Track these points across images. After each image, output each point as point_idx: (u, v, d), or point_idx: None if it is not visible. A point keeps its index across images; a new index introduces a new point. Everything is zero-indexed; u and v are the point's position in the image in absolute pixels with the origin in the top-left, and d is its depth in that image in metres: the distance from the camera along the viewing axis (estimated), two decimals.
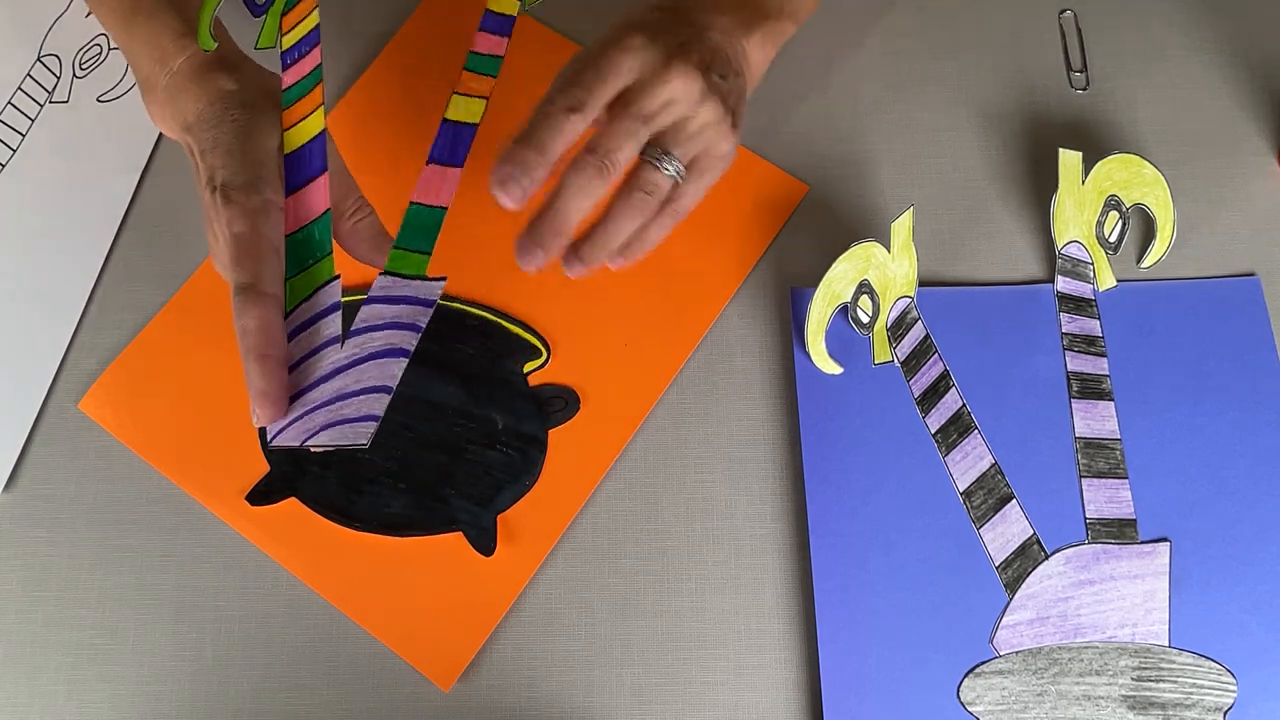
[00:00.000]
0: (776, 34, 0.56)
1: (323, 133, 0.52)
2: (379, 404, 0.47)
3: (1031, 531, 0.56)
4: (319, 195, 0.51)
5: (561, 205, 0.48)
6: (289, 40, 0.55)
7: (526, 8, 0.60)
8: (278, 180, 0.51)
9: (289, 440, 0.47)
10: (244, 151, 0.50)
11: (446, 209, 0.51)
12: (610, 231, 0.50)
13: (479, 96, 0.55)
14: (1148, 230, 0.61)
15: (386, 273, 0.50)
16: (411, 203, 0.51)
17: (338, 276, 0.50)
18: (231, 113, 0.52)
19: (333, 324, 0.49)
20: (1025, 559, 0.55)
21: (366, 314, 0.49)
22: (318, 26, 0.55)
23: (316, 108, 0.53)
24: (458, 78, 0.55)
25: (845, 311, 0.58)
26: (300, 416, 0.48)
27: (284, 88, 0.54)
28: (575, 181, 0.48)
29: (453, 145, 0.53)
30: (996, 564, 0.56)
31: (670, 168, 0.51)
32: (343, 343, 0.49)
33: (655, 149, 0.51)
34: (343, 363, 0.48)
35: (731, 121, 0.52)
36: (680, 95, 0.50)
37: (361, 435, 0.46)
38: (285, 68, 0.54)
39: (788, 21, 0.56)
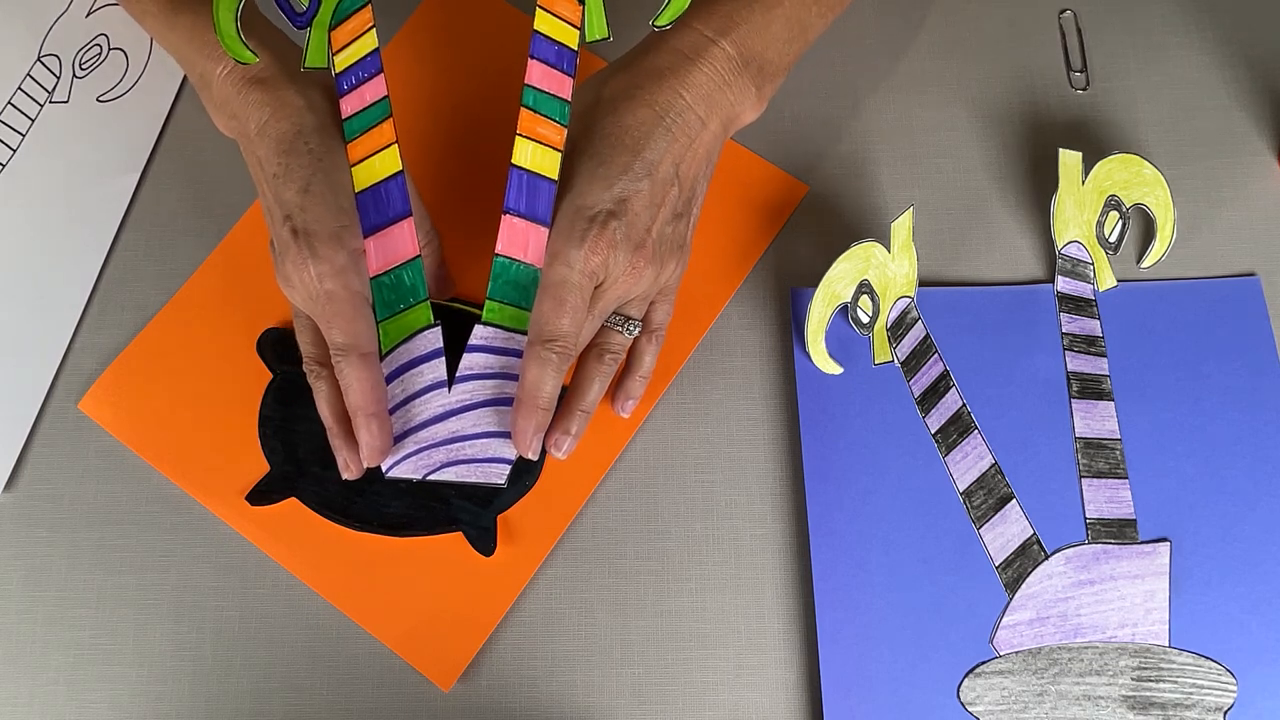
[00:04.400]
0: (772, 87, 0.55)
1: (401, 172, 0.51)
2: (506, 448, 0.51)
3: (1031, 531, 0.56)
4: (405, 239, 0.51)
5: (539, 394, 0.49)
6: (343, 61, 0.52)
7: (590, 40, 0.52)
8: (357, 223, 0.50)
9: (405, 473, 0.51)
10: (324, 193, 0.49)
11: (540, 268, 0.50)
12: (585, 397, 0.53)
13: (551, 148, 0.50)
14: (1148, 230, 0.61)
15: (485, 323, 0.50)
16: (496, 255, 0.50)
17: (438, 323, 0.51)
18: (306, 139, 0.50)
19: (437, 368, 0.51)
20: (1025, 559, 0.55)
21: (470, 362, 0.51)
22: (377, 50, 0.52)
23: (389, 144, 0.51)
24: (515, 114, 0.50)
25: (845, 311, 0.58)
26: (415, 452, 0.51)
27: (344, 117, 0.51)
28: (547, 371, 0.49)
29: (531, 198, 0.50)
30: (996, 564, 0.56)
31: (633, 329, 0.54)
32: (449, 387, 0.51)
33: (616, 315, 0.54)
34: (454, 406, 0.51)
35: (683, 243, 0.53)
36: (633, 292, 0.52)
37: (496, 475, 0.51)
38: (342, 94, 0.52)
39: (782, 76, 0.56)
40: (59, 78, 0.67)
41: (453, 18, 0.67)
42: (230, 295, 0.61)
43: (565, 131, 0.51)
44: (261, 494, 0.57)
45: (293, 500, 0.57)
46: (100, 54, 0.67)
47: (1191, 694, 0.53)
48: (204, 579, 0.57)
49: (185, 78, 0.66)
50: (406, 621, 0.55)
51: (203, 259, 0.62)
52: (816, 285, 0.56)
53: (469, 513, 0.56)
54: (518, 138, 0.50)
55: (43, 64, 0.67)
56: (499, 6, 0.67)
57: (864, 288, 0.58)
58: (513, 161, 0.50)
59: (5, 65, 0.67)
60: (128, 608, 0.57)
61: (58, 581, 0.57)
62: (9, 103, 0.66)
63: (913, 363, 0.59)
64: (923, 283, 0.60)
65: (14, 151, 0.65)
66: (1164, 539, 0.56)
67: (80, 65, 0.67)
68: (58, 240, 0.63)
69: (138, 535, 0.58)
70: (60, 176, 0.64)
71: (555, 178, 0.50)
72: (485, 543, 0.56)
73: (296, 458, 0.58)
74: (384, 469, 0.51)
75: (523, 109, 0.50)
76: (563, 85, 0.51)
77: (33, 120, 0.66)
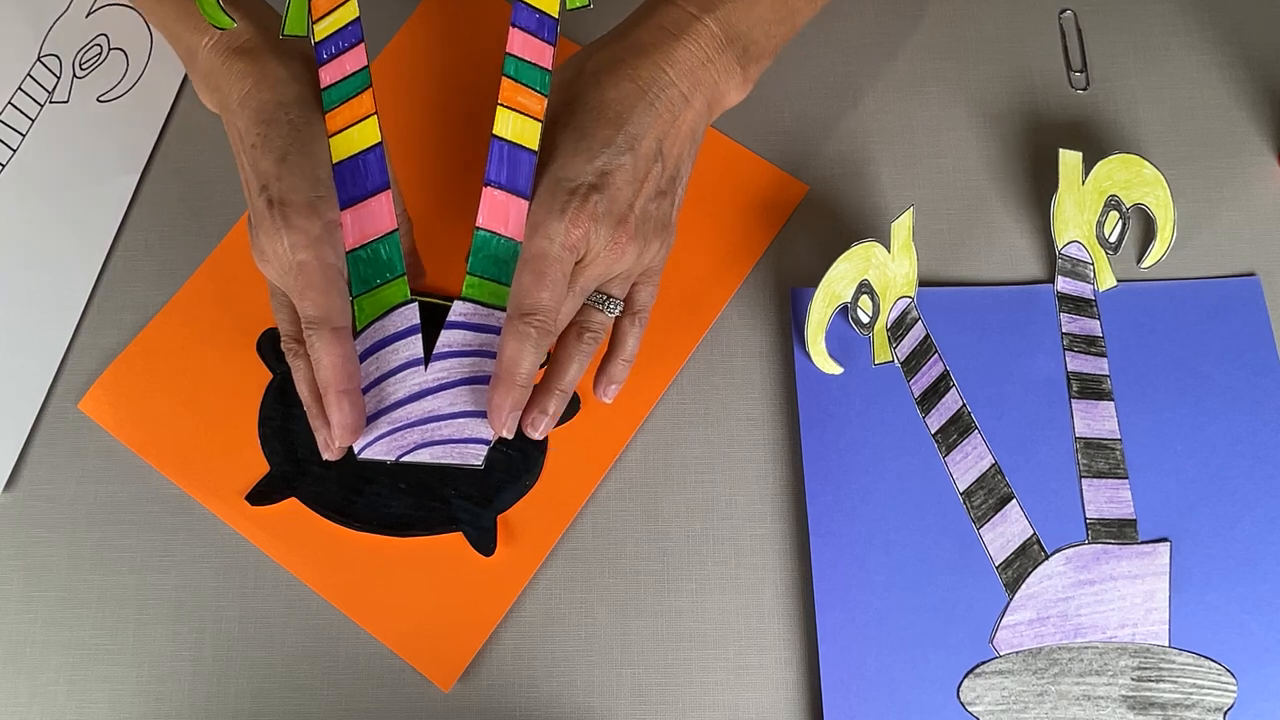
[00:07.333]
0: (758, 69, 0.55)
1: (380, 144, 0.50)
2: (484, 428, 0.49)
3: (1031, 531, 0.56)
4: (383, 213, 0.50)
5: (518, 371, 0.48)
6: (323, 30, 0.51)
7: (570, 8, 0.52)
8: (334, 195, 0.50)
9: (378, 454, 0.49)
10: (300, 164, 0.49)
11: (521, 242, 0.49)
12: (563, 376, 0.52)
13: (532, 117, 0.50)
14: (1148, 230, 0.61)
15: (464, 298, 0.49)
16: (477, 228, 0.49)
17: (414, 300, 0.50)
18: (286, 110, 0.50)
19: (413, 345, 0.50)
20: (1025, 559, 0.55)
21: (448, 339, 0.50)
22: (358, 19, 0.51)
23: (369, 115, 0.50)
24: (496, 84, 0.50)
25: (845, 311, 0.58)
26: (389, 433, 0.49)
27: (323, 86, 0.51)
28: (526, 348, 0.48)
29: (512, 169, 0.49)
30: (996, 564, 0.56)
31: (614, 309, 0.53)
32: (426, 364, 0.49)
33: (597, 294, 0.52)
34: (430, 385, 0.49)
35: (667, 223, 0.53)
36: (615, 270, 0.51)
37: (473, 456, 0.49)
38: (322, 63, 0.51)
39: (768, 59, 0.55)
40: (59, 78, 0.67)
41: (453, 17, 0.67)
42: (230, 295, 0.61)
43: (546, 101, 0.50)
44: (261, 494, 0.57)
45: (293, 500, 0.57)
46: (100, 54, 0.67)
47: (1191, 694, 0.53)
48: (204, 579, 0.57)
49: (185, 77, 0.66)
50: (406, 621, 0.55)
51: (203, 259, 0.62)
52: (816, 285, 0.56)
53: (469, 513, 0.56)
54: (499, 108, 0.49)
55: (43, 64, 0.67)
56: (499, 6, 0.67)
57: (864, 288, 0.58)
58: (494, 132, 0.49)
59: (5, 65, 0.67)
60: (128, 608, 0.57)
61: (58, 581, 0.57)
62: (9, 103, 0.66)
63: (913, 363, 0.59)
64: (923, 283, 0.60)
65: (14, 151, 0.65)
66: (1164, 539, 0.56)
67: (80, 65, 0.67)
68: (58, 240, 0.63)
69: (138, 535, 0.58)
70: (60, 176, 0.64)
71: (536, 149, 0.50)
72: (485, 543, 0.56)
73: (296, 458, 0.58)
74: (356, 450, 0.49)
75: (504, 78, 0.50)
76: (543, 53, 0.51)
77: (33, 120, 0.66)
